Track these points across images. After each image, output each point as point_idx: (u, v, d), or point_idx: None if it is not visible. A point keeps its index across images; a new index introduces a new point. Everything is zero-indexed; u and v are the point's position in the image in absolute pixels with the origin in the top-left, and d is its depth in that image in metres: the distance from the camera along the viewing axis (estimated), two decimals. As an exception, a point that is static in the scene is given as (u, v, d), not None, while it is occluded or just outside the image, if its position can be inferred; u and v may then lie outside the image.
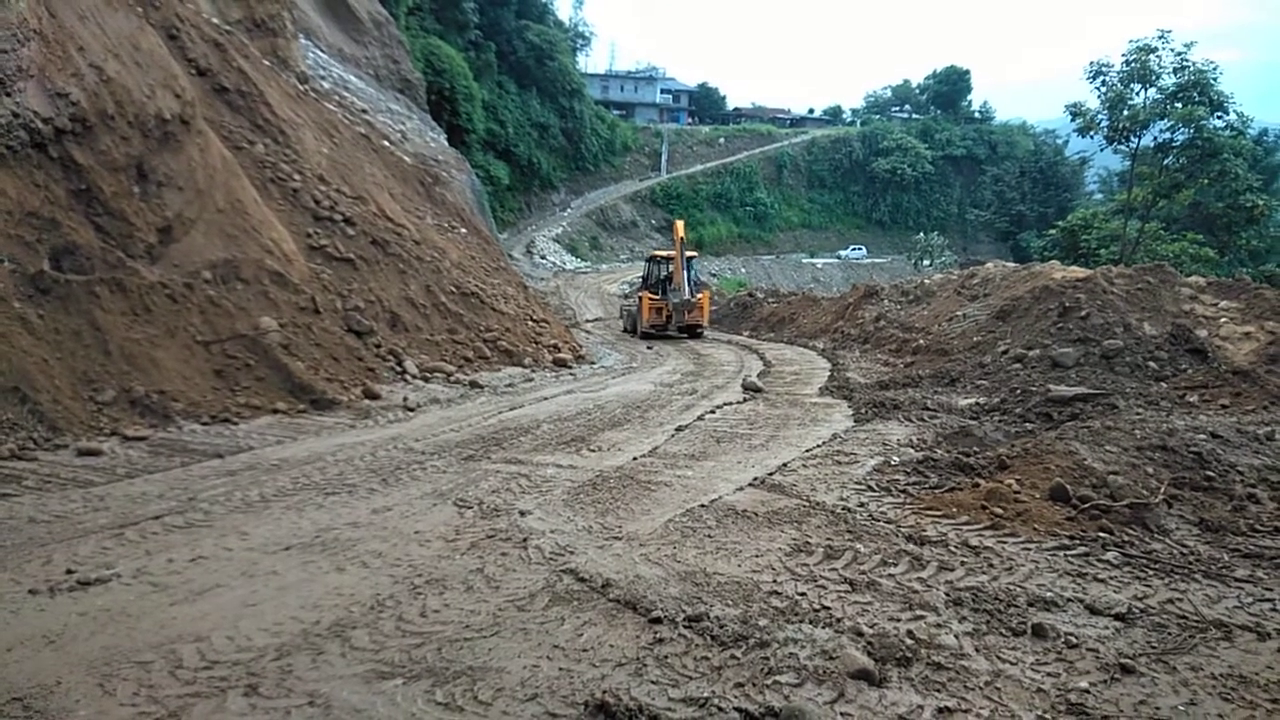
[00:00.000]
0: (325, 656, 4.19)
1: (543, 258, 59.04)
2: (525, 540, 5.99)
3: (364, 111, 21.84)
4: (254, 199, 12.84)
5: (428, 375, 13.35)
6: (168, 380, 9.91)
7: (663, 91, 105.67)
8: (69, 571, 5.23)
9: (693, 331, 25.70)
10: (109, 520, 6.32)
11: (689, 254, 25.90)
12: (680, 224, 27.49)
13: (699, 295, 25.67)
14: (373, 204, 16.06)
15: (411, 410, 11.34)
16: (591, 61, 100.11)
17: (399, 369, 13.03)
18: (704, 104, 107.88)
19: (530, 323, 18.17)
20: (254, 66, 15.95)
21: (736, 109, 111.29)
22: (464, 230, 20.53)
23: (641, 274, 28.44)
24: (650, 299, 25.87)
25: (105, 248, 10.22)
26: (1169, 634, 4.57)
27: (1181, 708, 3.80)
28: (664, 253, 27.88)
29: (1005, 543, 5.97)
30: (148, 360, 9.91)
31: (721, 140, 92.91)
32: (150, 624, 4.55)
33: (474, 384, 13.59)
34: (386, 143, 21.10)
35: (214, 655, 4.19)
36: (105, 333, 9.70)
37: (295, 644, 4.32)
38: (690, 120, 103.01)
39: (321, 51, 23.57)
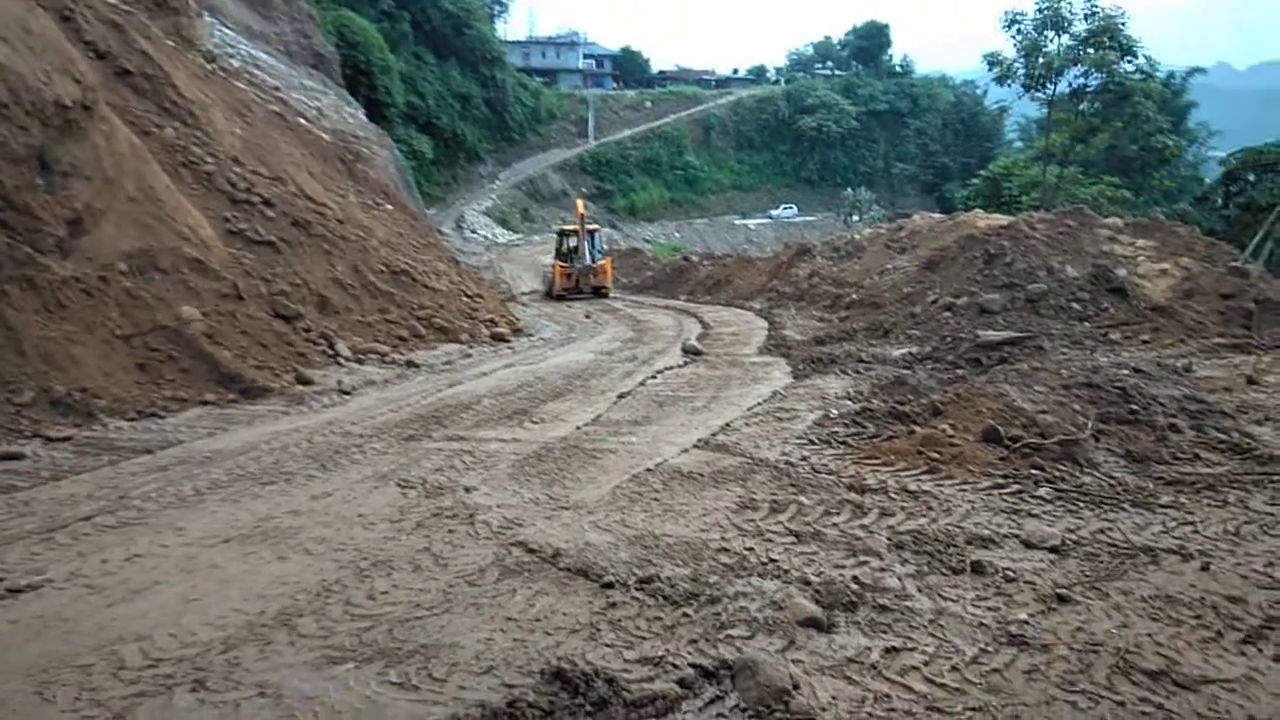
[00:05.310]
0: (273, 646, 4.11)
1: (473, 232, 58.07)
2: (472, 516, 5.95)
3: (276, 89, 21.15)
4: (166, 185, 12.37)
5: (361, 357, 13.10)
6: (88, 377, 9.55)
7: (585, 57, 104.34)
8: (-3, 580, 5.04)
9: (598, 291, 29.52)
10: (37, 525, 6.08)
11: (590, 227, 31.10)
12: (580, 202, 34.30)
13: (601, 261, 30.32)
14: (291, 184, 15.60)
15: (347, 393, 11.13)
16: (510, 28, 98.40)
17: (331, 352, 12.75)
18: (628, 68, 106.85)
19: (464, 298, 17.94)
20: (157, 47, 15.28)
21: (661, 72, 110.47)
22: (389, 207, 20.10)
23: (556, 246, 32.95)
24: (561, 267, 30.21)
25: (11, 244, 9.74)
26: (1101, 562, 4.77)
27: (1115, 630, 3.97)
28: (570, 226, 31.71)
29: (942, 486, 6.14)
30: (66, 358, 9.52)
31: (648, 104, 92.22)
32: (88, 627, 4.41)
33: (410, 363, 13.39)
34: (302, 120, 20.48)
35: (157, 653, 4.08)
36: (18, 332, 9.29)
37: (241, 636, 4.23)
38: (615, 85, 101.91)
39: (228, 29, 22.70)
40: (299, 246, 14.25)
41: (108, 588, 4.92)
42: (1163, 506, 5.61)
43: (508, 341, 16.69)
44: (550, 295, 30.60)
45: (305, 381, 11.34)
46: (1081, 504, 5.69)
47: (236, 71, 19.98)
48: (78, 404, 9.17)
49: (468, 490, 6.61)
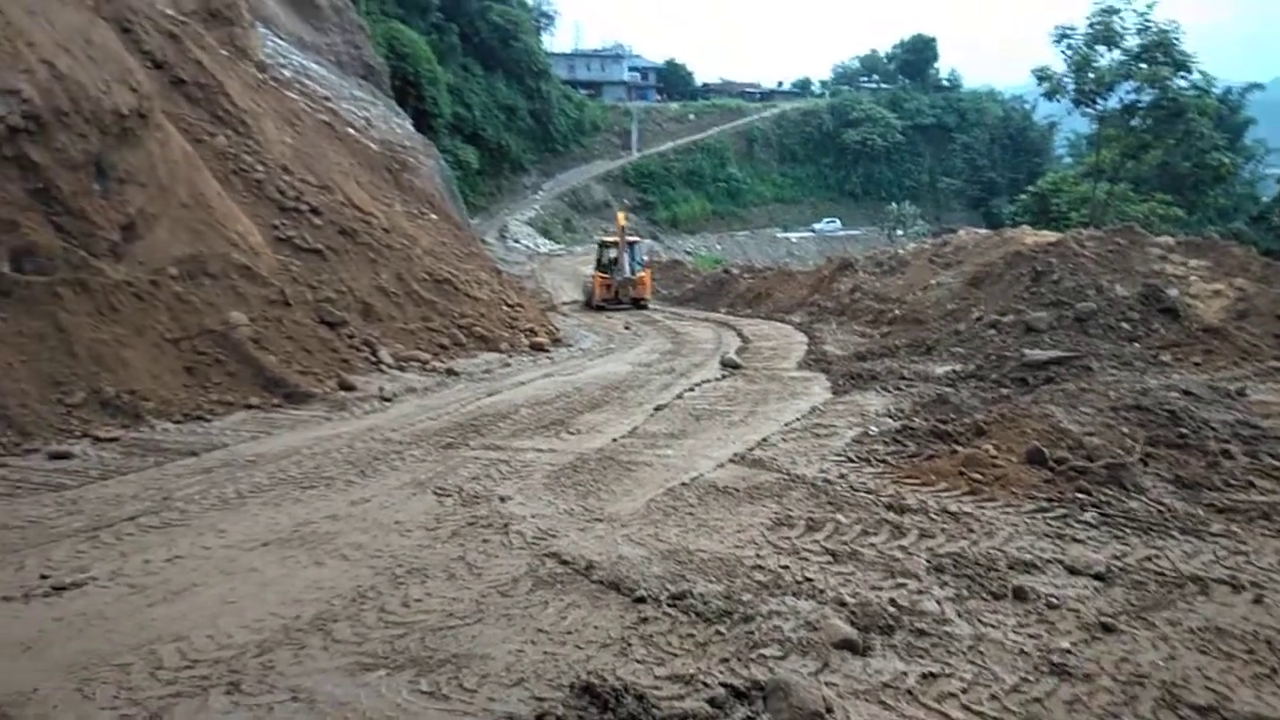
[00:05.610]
0: (307, 651, 4.15)
1: (516, 241, 58.58)
2: (506, 526, 5.97)
3: (326, 99, 21.51)
4: (217, 192, 12.63)
5: (403, 364, 13.24)
6: (137, 380, 9.76)
7: (630, 69, 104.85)
8: (43, 576, 5.14)
9: (637, 303, 29.68)
10: (83, 523, 6.22)
11: (631, 239, 31.06)
12: (621, 214, 33.94)
13: (641, 273, 30.40)
14: (339, 193, 15.85)
15: (388, 400, 11.25)
16: (556, 41, 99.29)
17: (374, 359, 12.90)
18: (672, 80, 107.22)
19: (505, 307, 18.06)
20: (211, 57, 15.65)
21: (705, 84, 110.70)
22: (434, 216, 20.33)
23: (596, 257, 33.25)
24: (601, 278, 30.49)
25: (67, 248, 10.02)
26: (1147, 591, 4.63)
27: (1161, 663, 3.85)
28: (611, 238, 31.91)
29: (984, 508, 6.01)
30: (116, 360, 9.75)
31: (691, 116, 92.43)
32: (129, 626, 4.49)
33: (450, 371, 13.50)
34: (351, 130, 20.81)
35: (194, 654, 4.14)
36: (71, 334, 9.53)
37: (276, 639, 4.28)
38: (659, 97, 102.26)
39: (280, 39, 23.15)
40: (345, 254, 14.46)
41: (149, 588, 5.01)
42: (1213, 535, 5.43)
43: (547, 351, 16.75)
44: (590, 306, 30.97)
45: (348, 387, 11.49)
46: (1128, 530, 5.54)
47: (288, 81, 20.37)
48: (126, 405, 9.37)
49: (503, 500, 6.63)
